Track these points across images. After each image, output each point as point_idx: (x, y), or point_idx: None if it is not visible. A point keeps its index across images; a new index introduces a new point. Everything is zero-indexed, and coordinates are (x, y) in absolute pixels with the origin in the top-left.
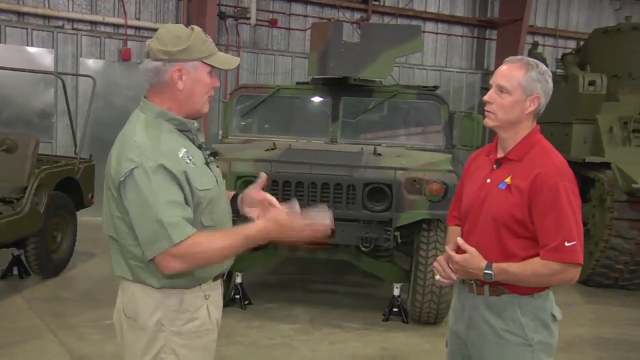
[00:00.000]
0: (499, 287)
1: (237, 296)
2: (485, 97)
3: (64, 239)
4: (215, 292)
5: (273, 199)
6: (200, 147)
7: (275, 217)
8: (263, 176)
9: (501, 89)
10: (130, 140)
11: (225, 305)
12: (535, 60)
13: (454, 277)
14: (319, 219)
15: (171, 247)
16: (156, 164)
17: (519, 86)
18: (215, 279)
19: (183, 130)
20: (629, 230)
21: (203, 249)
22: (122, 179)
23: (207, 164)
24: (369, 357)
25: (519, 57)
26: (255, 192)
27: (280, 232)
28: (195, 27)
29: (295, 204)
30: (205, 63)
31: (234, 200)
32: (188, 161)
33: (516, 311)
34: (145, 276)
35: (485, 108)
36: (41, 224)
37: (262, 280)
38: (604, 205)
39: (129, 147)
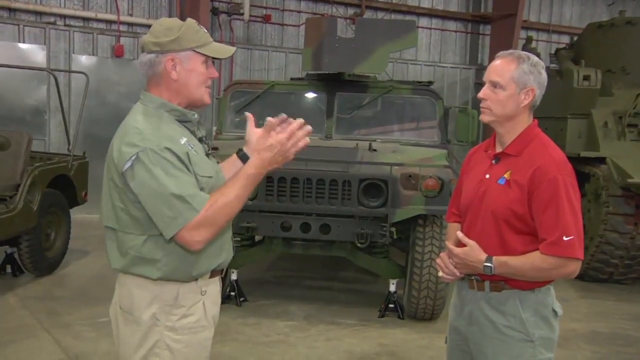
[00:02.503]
0: (499, 282)
1: (233, 293)
2: (480, 94)
3: (58, 236)
4: (212, 288)
5: (271, 123)
6: (200, 140)
7: (260, 146)
8: (248, 115)
9: (495, 85)
10: (131, 127)
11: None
12: (527, 53)
13: (457, 273)
14: (294, 125)
15: (194, 218)
16: (158, 146)
17: (512, 80)
18: (212, 275)
19: (183, 121)
20: (624, 224)
21: (220, 207)
22: (128, 165)
23: (207, 155)
24: (365, 354)
25: (509, 51)
26: (252, 134)
27: (273, 156)
28: (189, 19)
29: (275, 120)
30: (198, 52)
31: (244, 158)
32: (190, 148)
33: (517, 307)
34: (142, 267)
35: (481, 105)
36: (34, 222)
37: (258, 277)
38: (599, 200)
39: (130, 134)
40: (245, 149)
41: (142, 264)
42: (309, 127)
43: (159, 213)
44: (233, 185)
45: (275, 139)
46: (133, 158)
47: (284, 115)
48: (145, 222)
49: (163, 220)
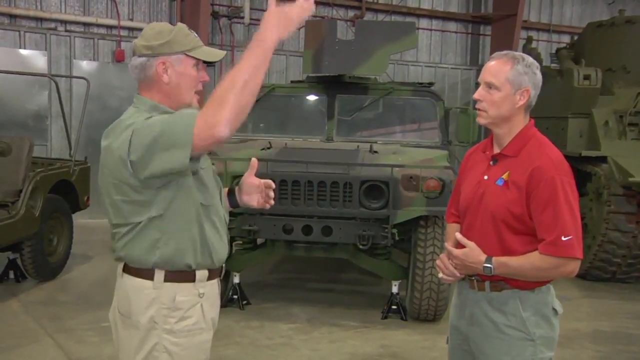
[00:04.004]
0: (500, 282)
1: (235, 296)
2: (475, 95)
3: (60, 241)
4: (210, 290)
5: (269, 182)
6: None
7: (270, 11)
8: (254, 161)
9: (490, 86)
10: (120, 120)
11: (223, 305)
12: (522, 54)
13: (457, 274)
14: None
15: (200, 113)
16: (148, 119)
17: (507, 81)
18: (210, 277)
19: None
20: (626, 223)
21: (229, 83)
22: (128, 144)
23: None
24: (368, 355)
25: (504, 52)
26: (249, 179)
27: (280, 19)
28: (180, 23)
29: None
30: (189, 56)
31: (231, 195)
32: None
33: (517, 306)
34: (141, 253)
35: (476, 106)
36: (37, 227)
37: (260, 280)
38: (600, 199)
39: (121, 123)
40: (237, 191)
41: (140, 250)
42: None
43: (172, 139)
44: (246, 58)
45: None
46: (132, 135)
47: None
48: (146, 203)
49: (178, 140)
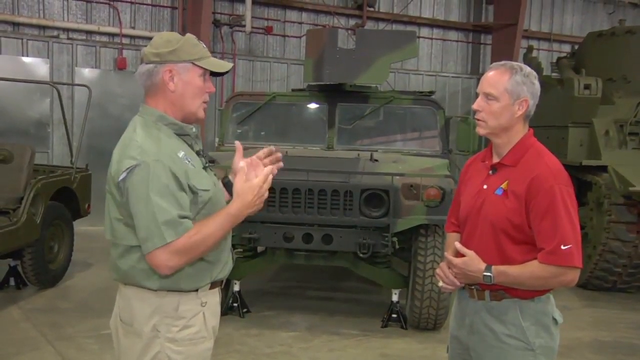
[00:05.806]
0: (499, 291)
1: (235, 304)
2: (474, 106)
3: (61, 249)
4: (212, 299)
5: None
6: (198, 153)
7: (243, 190)
8: (238, 144)
9: (488, 96)
10: (132, 140)
11: (223, 313)
12: (519, 64)
13: (457, 282)
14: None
15: (164, 245)
16: (157, 162)
17: (506, 91)
18: (212, 286)
19: (181, 135)
20: (626, 233)
21: (196, 241)
22: (123, 177)
23: (204, 168)
24: None
25: (502, 62)
26: (236, 162)
27: (252, 199)
28: (189, 34)
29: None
30: (196, 65)
31: (228, 186)
32: (187, 162)
33: (517, 315)
34: (141, 278)
35: (476, 116)
36: (38, 235)
37: (260, 288)
38: (601, 208)
39: (130, 147)
40: (230, 177)
41: (141, 276)
42: (278, 154)
43: (139, 230)
44: (213, 222)
45: (254, 183)
46: (129, 170)
47: (272, 148)
48: None
49: (140, 239)
